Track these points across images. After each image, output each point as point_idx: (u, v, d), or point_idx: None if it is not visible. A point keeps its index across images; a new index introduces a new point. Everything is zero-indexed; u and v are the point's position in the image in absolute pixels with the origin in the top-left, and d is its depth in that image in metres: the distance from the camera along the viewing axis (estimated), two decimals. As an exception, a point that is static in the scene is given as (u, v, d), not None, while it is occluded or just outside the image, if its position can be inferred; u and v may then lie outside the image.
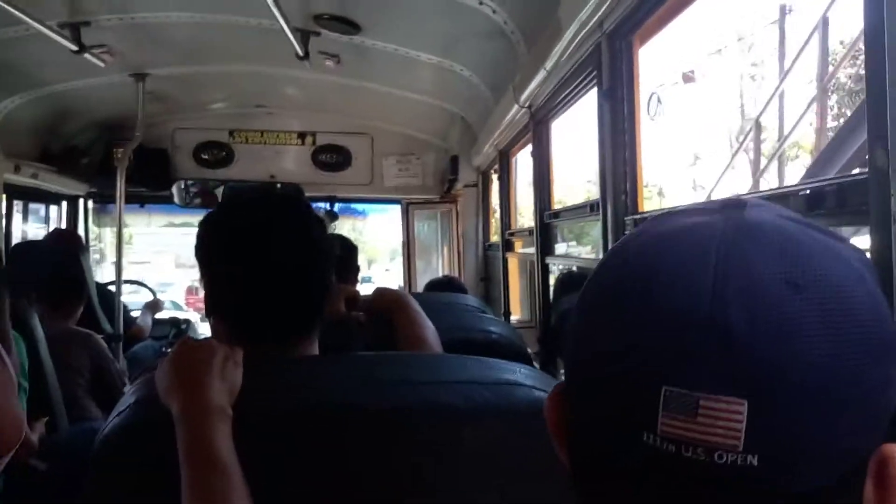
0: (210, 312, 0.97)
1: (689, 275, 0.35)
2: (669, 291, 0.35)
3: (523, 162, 2.95)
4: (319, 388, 0.83)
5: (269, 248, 0.93)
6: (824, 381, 0.32)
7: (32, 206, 3.84)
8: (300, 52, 2.45)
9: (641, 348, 0.35)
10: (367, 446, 0.80)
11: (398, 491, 0.80)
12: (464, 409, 0.81)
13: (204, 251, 0.97)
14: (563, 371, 0.86)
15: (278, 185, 3.66)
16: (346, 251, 2.35)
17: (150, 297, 3.94)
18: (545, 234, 2.09)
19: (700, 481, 0.33)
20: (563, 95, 1.73)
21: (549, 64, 1.53)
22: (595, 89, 1.44)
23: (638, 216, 1.32)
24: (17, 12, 1.95)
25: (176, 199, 4.04)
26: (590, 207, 1.57)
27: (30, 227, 3.84)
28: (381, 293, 1.37)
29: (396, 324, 1.32)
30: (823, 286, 0.34)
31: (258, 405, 0.79)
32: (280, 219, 0.96)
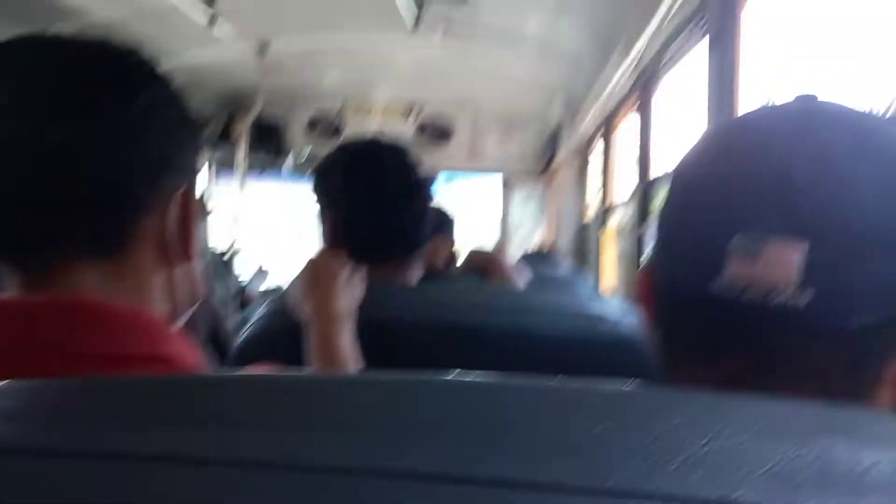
0: (328, 244, 1.10)
1: (764, 141, 0.41)
2: (746, 153, 0.42)
3: (625, 137, 2.93)
4: (428, 307, 0.93)
5: (379, 176, 1.05)
6: (877, 232, 0.37)
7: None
8: (411, 22, 2.55)
9: (717, 201, 0.41)
10: (459, 360, 0.89)
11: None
12: (552, 336, 0.89)
13: (322, 185, 1.10)
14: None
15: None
16: (443, 221, 2.46)
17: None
18: (645, 202, 2.10)
19: (759, 318, 0.38)
20: (669, 50, 1.73)
21: (657, 18, 1.54)
22: (705, 40, 1.44)
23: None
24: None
25: (291, 166, 4.29)
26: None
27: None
28: (477, 253, 1.47)
29: (489, 281, 1.41)
30: (886, 153, 0.39)
31: (377, 318, 0.90)
32: (387, 153, 1.08)
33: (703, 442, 0.26)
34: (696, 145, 0.48)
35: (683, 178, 0.46)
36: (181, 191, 0.53)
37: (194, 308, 0.57)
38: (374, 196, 1.07)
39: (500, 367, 0.88)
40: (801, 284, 0.37)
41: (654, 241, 0.49)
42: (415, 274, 1.11)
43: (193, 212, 0.53)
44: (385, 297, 0.95)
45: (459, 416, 0.27)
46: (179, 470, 0.25)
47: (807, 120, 0.42)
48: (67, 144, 0.47)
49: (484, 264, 1.42)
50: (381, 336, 0.90)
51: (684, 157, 0.47)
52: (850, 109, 0.43)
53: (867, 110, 0.44)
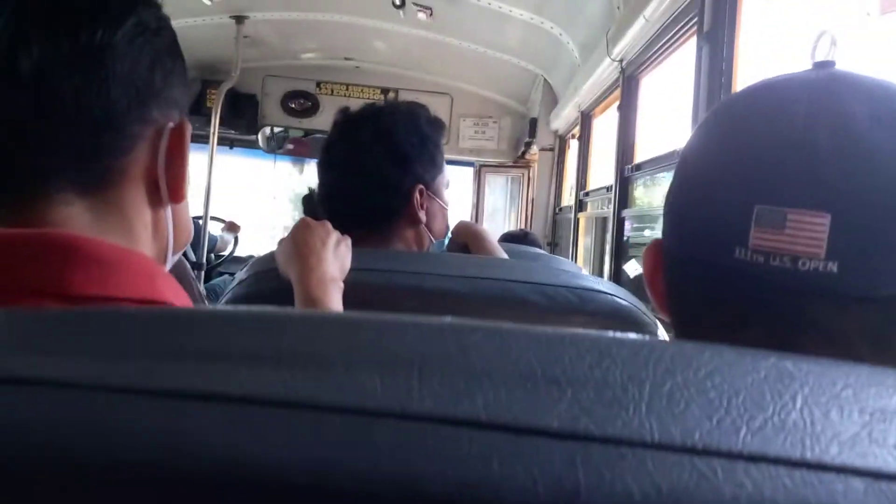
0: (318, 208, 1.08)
1: (783, 110, 0.40)
2: (764, 123, 0.40)
3: (603, 126, 2.94)
4: (414, 273, 0.90)
5: (344, 155, 1.03)
6: None
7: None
8: (396, 1, 2.51)
9: (737, 172, 0.40)
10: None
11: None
12: (546, 306, 0.87)
13: (320, 154, 1.08)
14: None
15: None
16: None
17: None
18: (624, 189, 2.10)
19: (785, 287, 0.37)
20: (657, 46, 1.73)
21: (648, 11, 1.54)
22: (693, 40, 1.44)
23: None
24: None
25: (261, 145, 4.22)
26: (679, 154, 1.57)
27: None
28: (460, 226, 1.44)
29: (474, 253, 1.40)
30: None
31: (362, 281, 0.87)
32: (360, 131, 1.04)
33: (783, 402, 0.24)
34: (704, 121, 0.46)
35: (696, 154, 0.44)
36: (171, 125, 0.49)
37: (181, 252, 0.54)
38: (339, 163, 1.05)
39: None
40: (826, 255, 0.37)
41: (664, 220, 0.47)
42: (398, 247, 1.09)
43: (185, 149, 0.49)
44: (374, 262, 0.92)
45: (514, 364, 0.24)
46: (169, 403, 0.22)
47: (826, 86, 0.41)
48: (43, 71, 0.42)
49: (469, 237, 1.40)
50: (366, 299, 0.87)
51: (693, 135, 0.46)
52: (867, 76, 0.42)
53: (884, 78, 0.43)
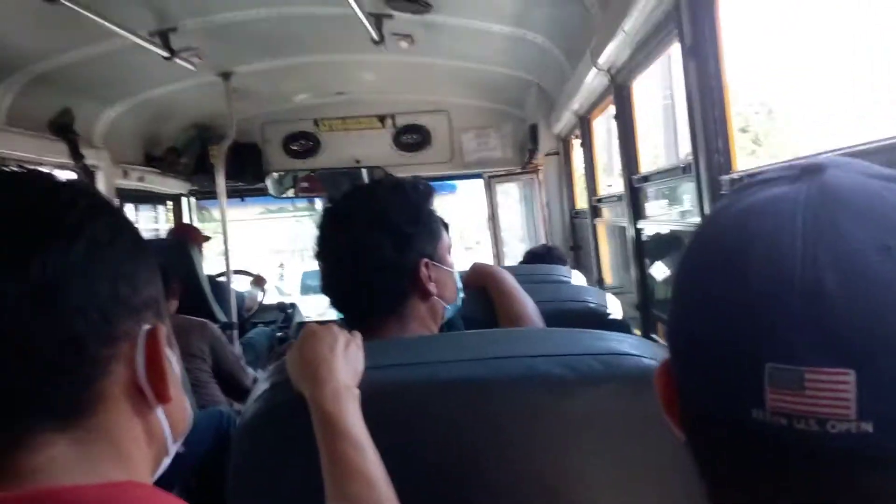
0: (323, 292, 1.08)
1: (778, 247, 0.35)
2: (760, 266, 0.35)
3: (603, 127, 2.90)
4: (431, 364, 0.88)
5: (342, 244, 1.03)
6: None
7: (143, 207, 4.14)
8: (375, 37, 2.50)
9: (739, 326, 0.35)
10: (475, 417, 0.84)
11: (507, 459, 0.84)
12: (572, 378, 0.84)
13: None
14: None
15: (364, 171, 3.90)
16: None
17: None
18: (636, 199, 2.06)
19: (815, 452, 0.33)
20: (643, 55, 1.69)
21: (627, 25, 1.51)
22: (677, 45, 1.41)
23: (734, 175, 1.28)
24: (110, 25, 2.12)
25: (271, 191, 4.25)
26: (682, 169, 1.54)
27: (141, 227, 4.13)
28: (476, 268, 1.42)
29: (494, 298, 1.37)
30: None
31: (377, 381, 0.85)
32: (354, 217, 1.04)
33: None
34: (702, 237, 0.41)
35: (689, 293, 0.40)
36: (145, 329, 0.46)
37: (184, 437, 0.52)
38: (338, 253, 1.04)
39: (521, 416, 0.85)
40: (858, 415, 0.32)
41: (670, 348, 0.43)
42: (409, 323, 1.06)
43: (162, 349, 0.46)
44: (386, 357, 0.90)
45: None
46: None
47: (820, 210, 0.36)
48: None
49: (485, 281, 1.39)
50: (384, 399, 0.85)
51: (682, 266, 0.41)
52: (862, 188, 0.37)
53: (880, 177, 0.37)
